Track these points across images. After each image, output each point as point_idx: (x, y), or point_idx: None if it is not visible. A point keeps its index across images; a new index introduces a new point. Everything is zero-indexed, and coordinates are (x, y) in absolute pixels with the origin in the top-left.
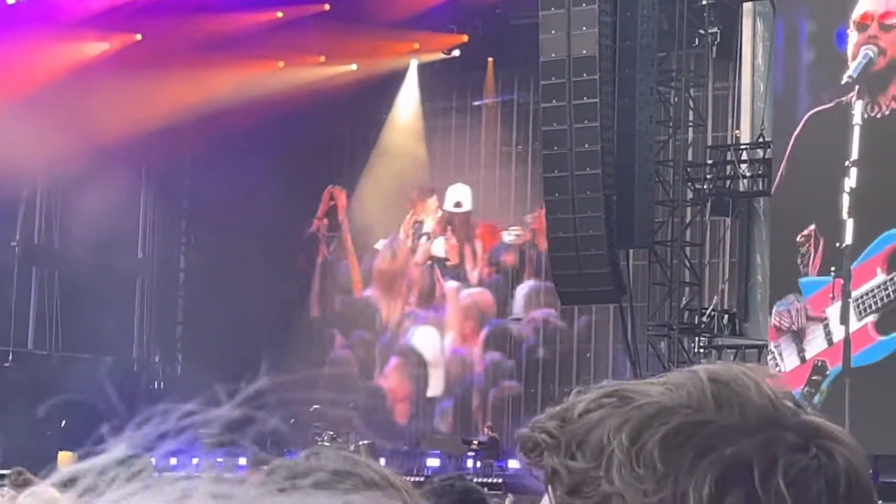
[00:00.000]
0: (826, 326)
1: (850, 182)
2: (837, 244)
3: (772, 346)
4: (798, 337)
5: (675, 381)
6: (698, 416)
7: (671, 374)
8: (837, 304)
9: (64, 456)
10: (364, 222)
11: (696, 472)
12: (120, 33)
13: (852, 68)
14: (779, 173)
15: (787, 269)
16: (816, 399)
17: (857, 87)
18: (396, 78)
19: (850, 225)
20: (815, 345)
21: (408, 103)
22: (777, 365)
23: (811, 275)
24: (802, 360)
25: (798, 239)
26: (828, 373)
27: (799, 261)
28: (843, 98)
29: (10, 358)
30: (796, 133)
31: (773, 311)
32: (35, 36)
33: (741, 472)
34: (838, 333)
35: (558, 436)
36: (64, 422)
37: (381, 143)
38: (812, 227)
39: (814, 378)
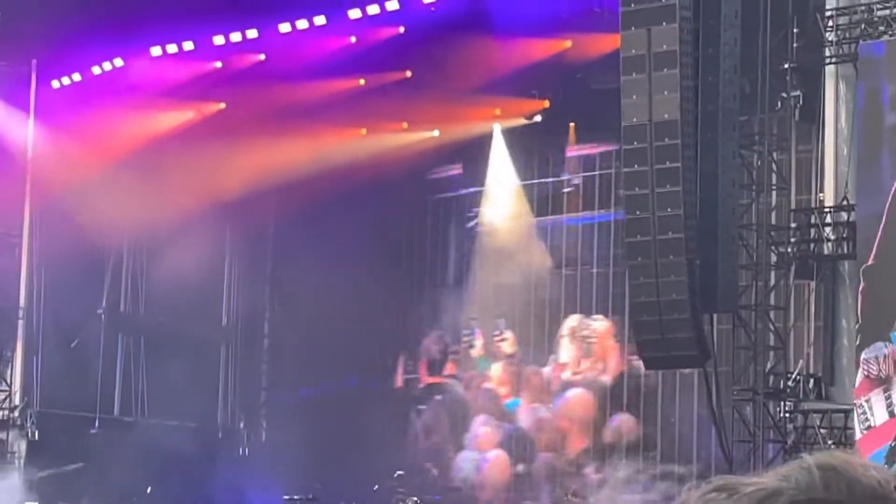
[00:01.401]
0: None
1: None
2: None
3: (861, 401)
4: (887, 388)
5: (782, 469)
6: (806, 494)
7: (779, 467)
8: None
9: None
10: None
11: None
12: (204, 102)
13: None
14: (877, 238)
15: (878, 321)
16: None
17: None
18: (479, 143)
19: None
20: None
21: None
22: (867, 419)
23: None
24: (892, 414)
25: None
26: None
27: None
28: None
29: (97, 424)
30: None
31: (862, 358)
32: (122, 104)
33: None
34: None
35: None
36: (150, 488)
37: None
38: None
39: None
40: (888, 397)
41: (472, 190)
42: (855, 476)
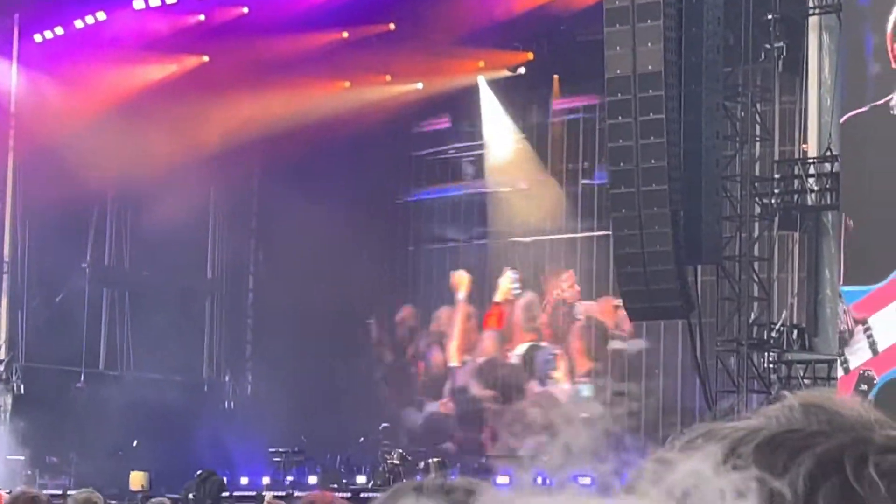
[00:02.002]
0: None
1: None
2: None
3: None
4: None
5: (766, 410)
6: (788, 426)
7: (764, 408)
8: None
9: (136, 476)
10: None
11: (790, 470)
12: (187, 55)
13: None
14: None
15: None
16: None
17: None
18: (463, 95)
19: None
20: (860, 356)
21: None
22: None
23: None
24: (846, 371)
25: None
26: (875, 382)
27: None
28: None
29: (82, 379)
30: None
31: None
32: (104, 58)
33: (833, 466)
34: (883, 342)
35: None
36: (136, 442)
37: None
38: None
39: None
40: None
41: (466, 144)
42: (836, 409)
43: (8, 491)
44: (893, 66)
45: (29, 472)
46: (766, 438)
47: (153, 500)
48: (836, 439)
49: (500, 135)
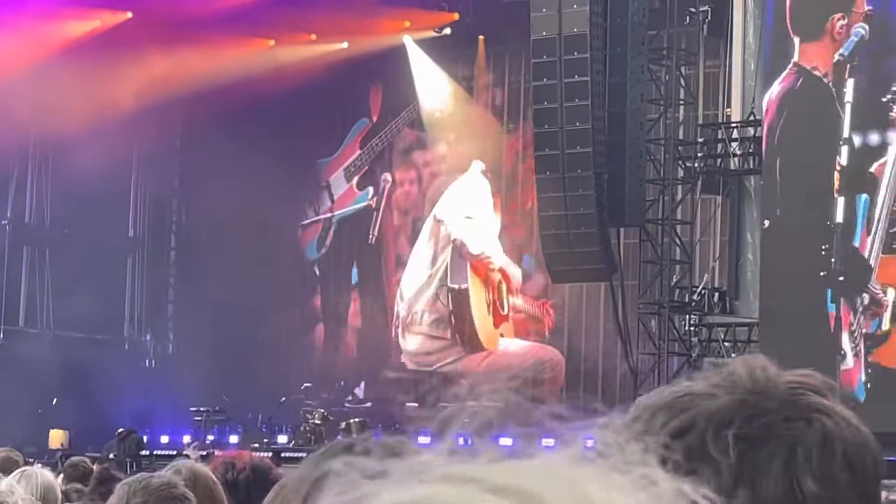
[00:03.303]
0: None
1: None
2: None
3: None
4: None
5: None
6: (683, 389)
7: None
8: None
9: (55, 434)
10: None
11: (666, 426)
12: (110, 11)
13: (844, 46)
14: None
15: None
16: None
17: (848, 64)
18: (388, 56)
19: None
20: None
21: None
22: None
23: None
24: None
25: None
26: None
27: None
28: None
29: (2, 336)
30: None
31: None
32: (25, 13)
33: (698, 426)
34: None
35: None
36: (55, 400)
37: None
38: None
39: None
40: None
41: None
42: (736, 372)
43: None
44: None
45: None
46: (665, 403)
47: (73, 458)
48: (713, 402)
49: (434, 89)
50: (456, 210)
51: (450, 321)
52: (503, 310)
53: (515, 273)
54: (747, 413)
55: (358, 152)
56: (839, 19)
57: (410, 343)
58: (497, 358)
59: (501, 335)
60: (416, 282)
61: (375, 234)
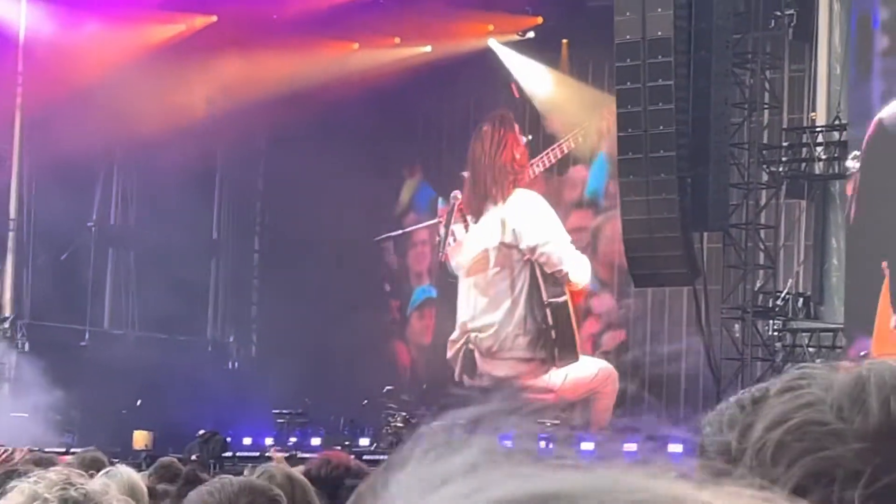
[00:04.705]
0: None
1: None
2: None
3: None
4: None
5: (839, 375)
6: (818, 415)
7: (850, 365)
8: None
9: (139, 435)
10: None
11: (792, 468)
12: (196, 14)
13: None
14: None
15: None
16: None
17: None
18: (472, 59)
19: None
20: None
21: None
22: None
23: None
24: None
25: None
26: None
27: None
28: None
29: (87, 337)
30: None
31: None
32: (113, 18)
33: (826, 477)
34: None
35: (747, 412)
36: (139, 401)
37: None
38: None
39: None
40: None
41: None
42: (873, 403)
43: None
44: None
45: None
46: (794, 426)
47: (163, 458)
48: (845, 447)
49: (537, 84)
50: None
51: (549, 336)
52: (583, 317)
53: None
54: (877, 462)
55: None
56: None
57: (499, 370)
58: (576, 372)
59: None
60: (498, 313)
61: (444, 250)
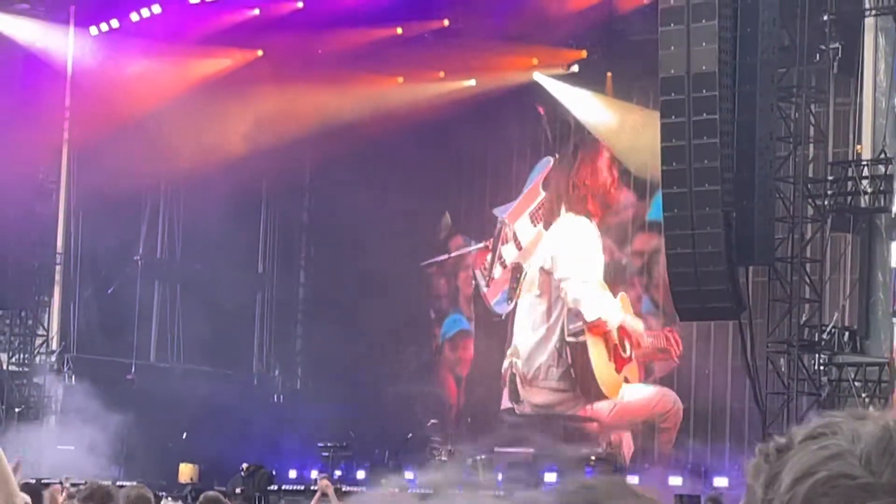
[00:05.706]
0: None
1: None
2: None
3: None
4: None
5: (866, 426)
6: (846, 468)
7: (876, 415)
8: None
9: (185, 468)
10: None
11: None
12: (242, 49)
13: None
14: None
15: None
16: None
17: None
18: (516, 93)
19: None
20: None
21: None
22: None
23: None
24: None
25: None
26: None
27: None
28: None
29: (133, 370)
30: None
31: None
32: (159, 52)
33: None
34: None
35: (772, 462)
36: (185, 434)
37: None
38: None
39: None
40: None
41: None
42: None
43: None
44: None
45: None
46: (821, 480)
47: (208, 493)
48: (874, 501)
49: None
50: (567, 267)
51: (569, 373)
52: (625, 352)
53: (636, 325)
54: None
55: (543, 194)
56: None
57: (535, 397)
58: (624, 405)
59: (626, 379)
60: (534, 336)
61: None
